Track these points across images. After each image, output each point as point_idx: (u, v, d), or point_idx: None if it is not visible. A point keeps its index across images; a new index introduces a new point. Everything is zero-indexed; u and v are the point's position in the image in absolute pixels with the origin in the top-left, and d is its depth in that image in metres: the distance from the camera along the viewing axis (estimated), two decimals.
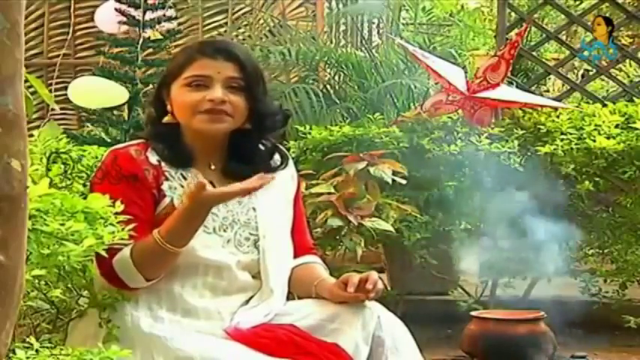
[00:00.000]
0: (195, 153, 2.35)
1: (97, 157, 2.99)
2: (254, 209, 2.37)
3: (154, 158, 2.31)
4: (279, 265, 2.38)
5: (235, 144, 2.37)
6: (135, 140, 2.39)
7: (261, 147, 2.41)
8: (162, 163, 2.31)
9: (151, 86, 4.75)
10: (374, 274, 2.27)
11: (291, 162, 2.50)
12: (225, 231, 2.33)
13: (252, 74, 2.34)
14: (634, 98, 4.40)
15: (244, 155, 2.38)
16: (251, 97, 2.33)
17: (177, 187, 2.30)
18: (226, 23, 6.00)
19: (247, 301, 2.34)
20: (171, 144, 2.33)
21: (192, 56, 2.33)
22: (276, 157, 2.44)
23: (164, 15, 4.80)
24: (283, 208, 2.43)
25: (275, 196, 2.35)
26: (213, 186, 2.31)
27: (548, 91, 6.51)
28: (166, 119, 2.35)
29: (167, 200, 2.29)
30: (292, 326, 2.25)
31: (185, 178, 2.32)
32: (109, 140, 4.48)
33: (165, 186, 2.30)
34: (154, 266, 2.21)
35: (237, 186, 2.20)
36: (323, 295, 2.32)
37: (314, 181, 3.76)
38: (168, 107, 2.36)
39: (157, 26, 4.77)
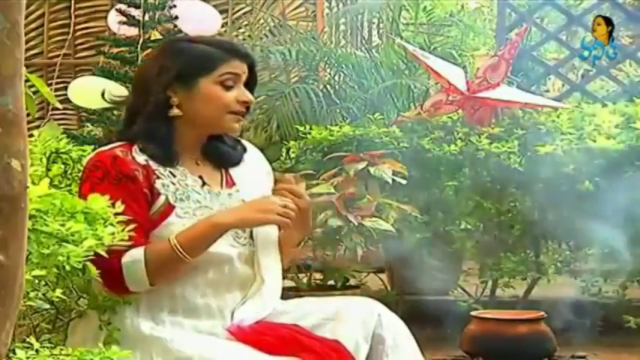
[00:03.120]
0: (184, 150, 2.35)
1: None
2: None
3: (140, 158, 2.29)
4: (270, 256, 2.40)
5: (211, 138, 2.41)
6: (115, 143, 2.33)
7: (227, 140, 2.44)
8: (150, 162, 2.29)
9: None
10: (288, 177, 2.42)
11: (263, 158, 2.53)
12: None
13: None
14: (634, 98, 4.40)
15: (218, 148, 2.41)
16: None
17: (169, 185, 2.30)
18: (226, 23, 5.98)
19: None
20: (163, 141, 2.31)
21: (224, 55, 2.34)
22: (239, 147, 2.47)
23: (164, 15, 4.79)
24: None
25: (258, 189, 2.38)
26: (203, 181, 2.35)
27: (548, 91, 6.50)
28: (175, 112, 2.33)
29: (162, 199, 2.28)
30: (294, 325, 2.26)
31: (174, 176, 2.32)
32: None
33: (158, 184, 2.28)
34: (165, 273, 2.22)
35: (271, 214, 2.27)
36: (285, 243, 2.41)
37: (314, 181, 3.76)
38: (174, 100, 2.32)
39: (158, 26, 4.76)
